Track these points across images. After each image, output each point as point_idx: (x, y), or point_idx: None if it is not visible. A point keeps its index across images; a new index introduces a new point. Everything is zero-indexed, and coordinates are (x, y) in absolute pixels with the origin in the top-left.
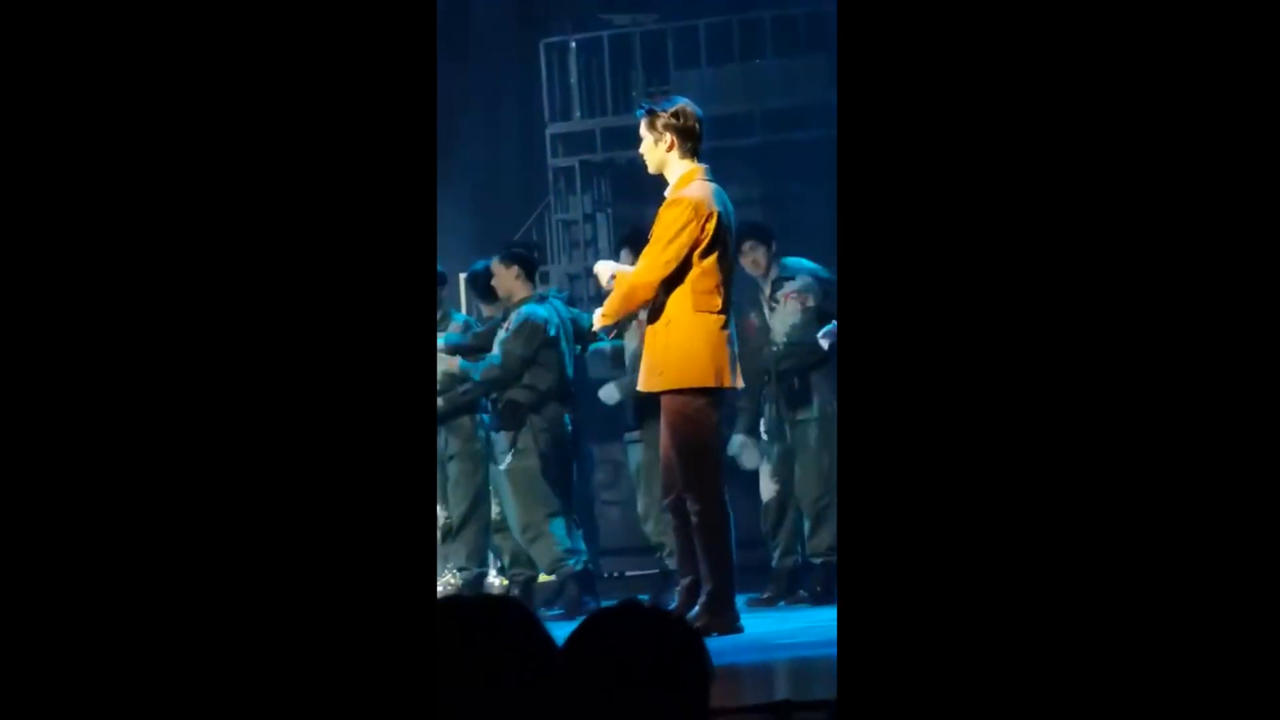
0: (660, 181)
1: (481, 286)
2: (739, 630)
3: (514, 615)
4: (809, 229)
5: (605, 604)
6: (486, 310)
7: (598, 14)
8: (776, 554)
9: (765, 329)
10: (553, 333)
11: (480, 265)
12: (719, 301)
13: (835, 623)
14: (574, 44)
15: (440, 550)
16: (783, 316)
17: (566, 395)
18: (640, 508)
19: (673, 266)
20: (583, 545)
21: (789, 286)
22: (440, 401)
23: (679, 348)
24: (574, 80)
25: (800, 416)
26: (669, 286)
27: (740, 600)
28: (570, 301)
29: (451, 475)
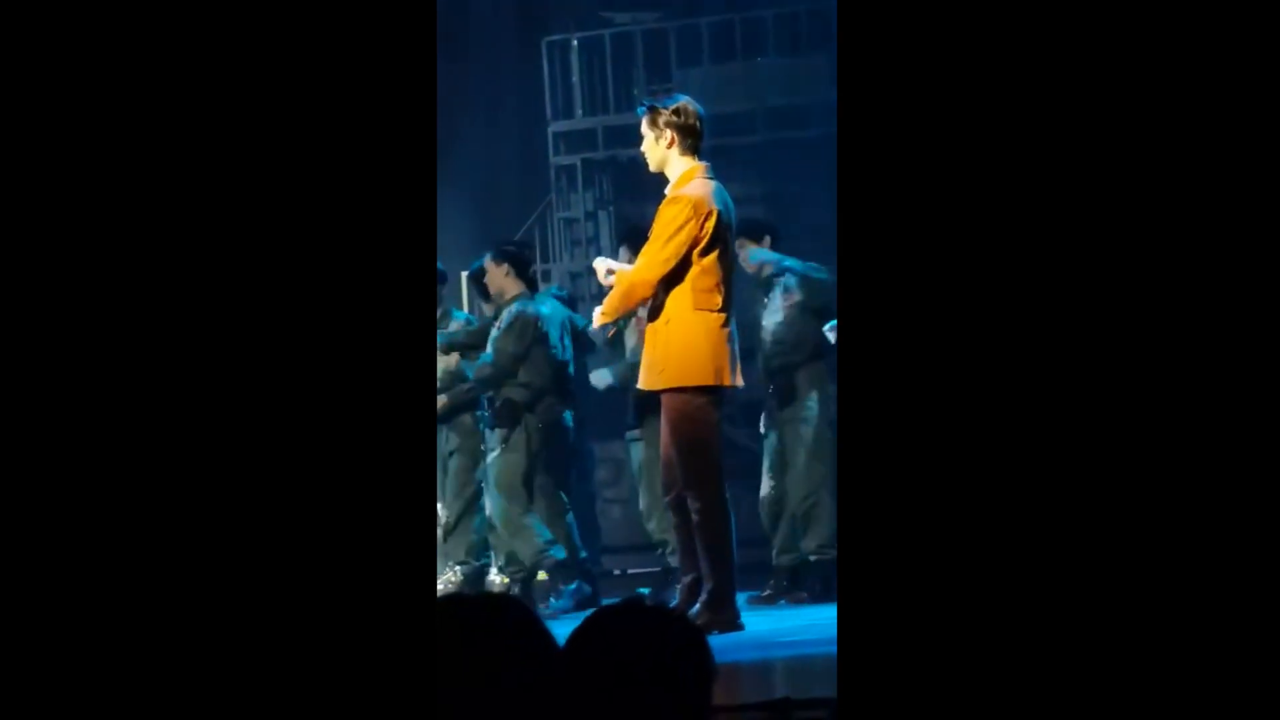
0: (661, 179)
1: (482, 285)
2: (739, 628)
3: (514, 615)
4: (810, 228)
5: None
6: (488, 309)
7: (600, 12)
8: (775, 551)
9: (756, 326)
10: (545, 328)
11: (480, 263)
12: (719, 300)
13: (835, 621)
14: (576, 42)
15: (440, 549)
16: (771, 314)
17: (566, 392)
18: (642, 506)
19: (672, 264)
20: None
21: (780, 284)
22: (442, 399)
23: (679, 346)
24: (576, 78)
25: (787, 416)
26: (669, 285)
27: (741, 598)
28: (571, 299)
29: (451, 472)
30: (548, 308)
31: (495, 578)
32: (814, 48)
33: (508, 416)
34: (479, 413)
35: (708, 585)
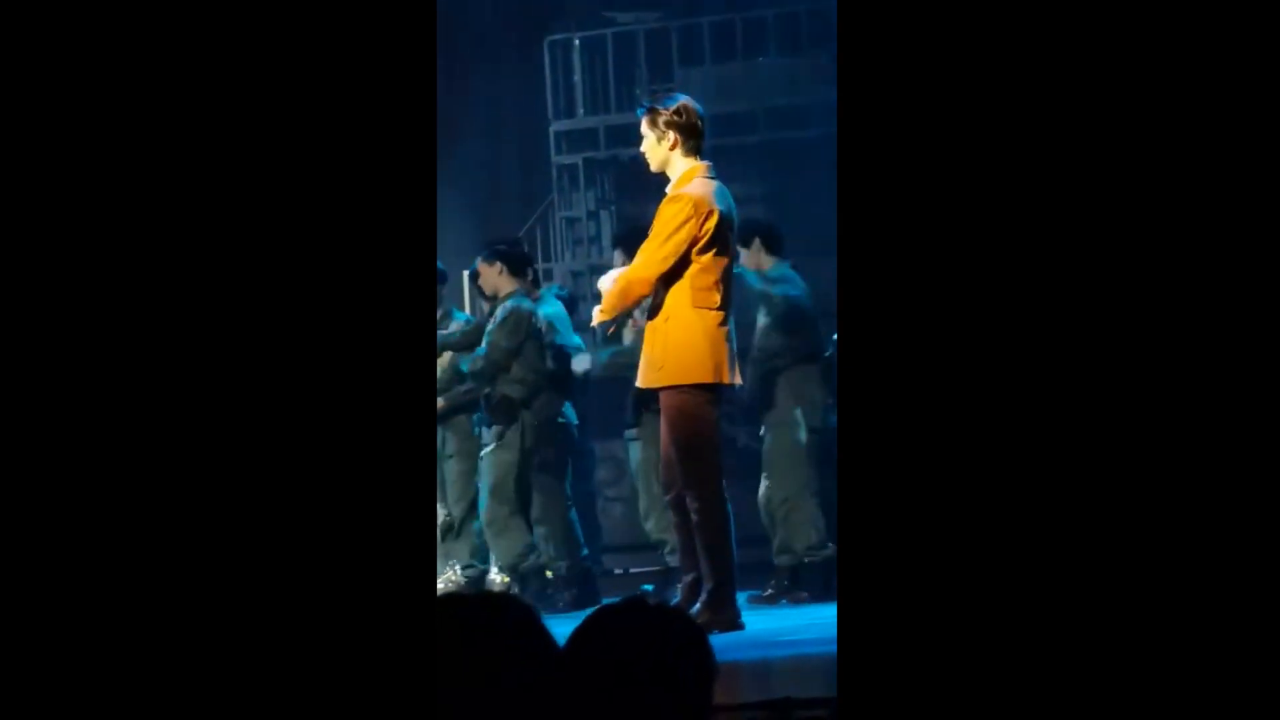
0: (663, 179)
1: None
2: (740, 627)
3: (514, 614)
4: (811, 227)
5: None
6: (489, 308)
7: (602, 12)
8: (775, 551)
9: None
10: (546, 326)
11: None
12: (718, 298)
13: (835, 620)
14: (578, 41)
15: (440, 548)
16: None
17: (565, 390)
18: (641, 505)
19: (670, 262)
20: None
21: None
22: (440, 400)
23: (678, 344)
24: (578, 78)
25: (770, 420)
26: (668, 283)
27: (741, 597)
28: (572, 298)
29: (450, 473)
30: (552, 308)
31: (496, 577)
32: (815, 47)
33: (503, 413)
34: (476, 415)
35: (708, 584)
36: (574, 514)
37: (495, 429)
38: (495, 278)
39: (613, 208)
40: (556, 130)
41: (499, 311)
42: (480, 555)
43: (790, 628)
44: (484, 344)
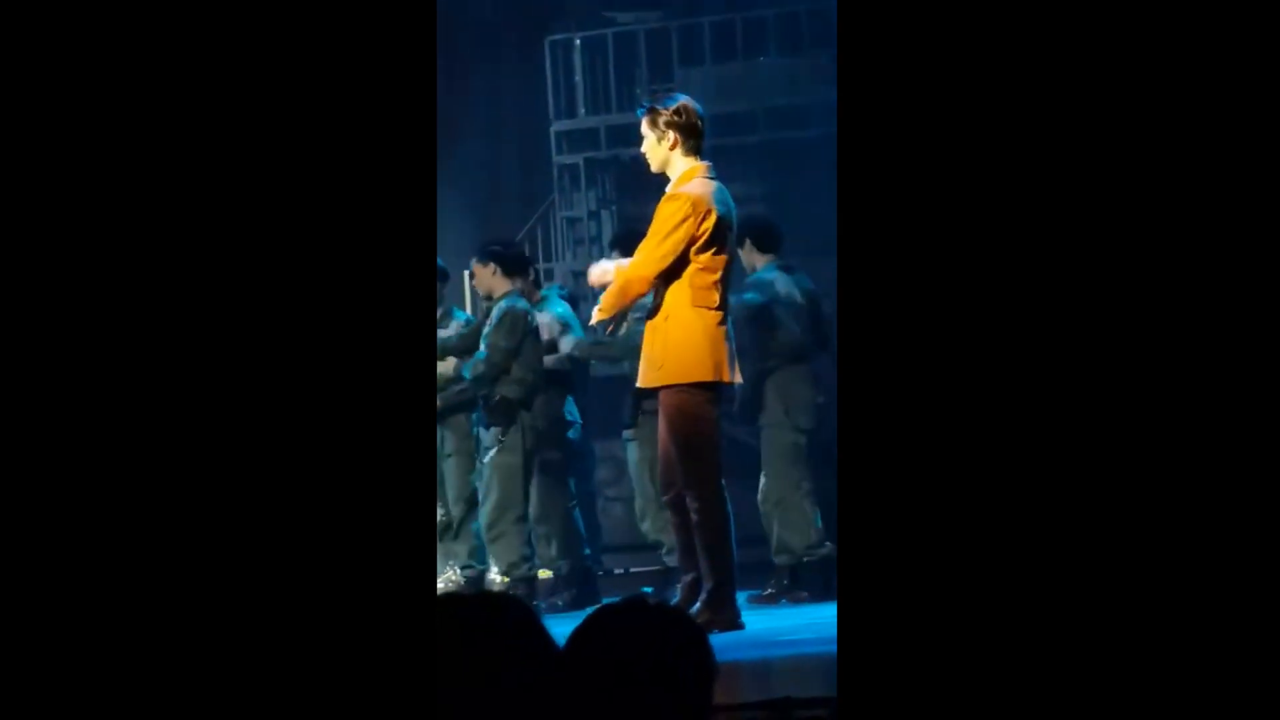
0: (664, 179)
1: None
2: (740, 627)
3: (514, 614)
4: (811, 227)
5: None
6: (486, 309)
7: (602, 12)
8: (774, 550)
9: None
10: (535, 324)
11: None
12: (717, 297)
13: (835, 620)
14: (579, 41)
15: (440, 548)
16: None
17: (568, 386)
18: (637, 506)
19: (668, 261)
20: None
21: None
22: (438, 401)
23: (677, 343)
24: (578, 77)
25: (761, 421)
26: (667, 282)
27: (741, 597)
28: (573, 298)
29: (449, 473)
30: (561, 307)
31: (495, 577)
32: (815, 47)
33: (503, 415)
34: (474, 414)
35: (707, 584)
36: (578, 513)
37: (494, 431)
38: (489, 278)
39: (614, 208)
40: (557, 130)
41: (494, 313)
42: (479, 555)
43: (790, 627)
44: (483, 347)
